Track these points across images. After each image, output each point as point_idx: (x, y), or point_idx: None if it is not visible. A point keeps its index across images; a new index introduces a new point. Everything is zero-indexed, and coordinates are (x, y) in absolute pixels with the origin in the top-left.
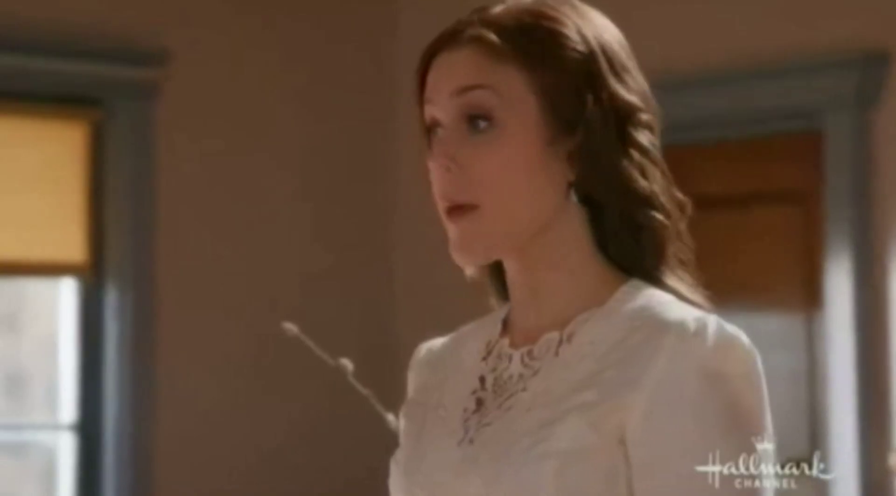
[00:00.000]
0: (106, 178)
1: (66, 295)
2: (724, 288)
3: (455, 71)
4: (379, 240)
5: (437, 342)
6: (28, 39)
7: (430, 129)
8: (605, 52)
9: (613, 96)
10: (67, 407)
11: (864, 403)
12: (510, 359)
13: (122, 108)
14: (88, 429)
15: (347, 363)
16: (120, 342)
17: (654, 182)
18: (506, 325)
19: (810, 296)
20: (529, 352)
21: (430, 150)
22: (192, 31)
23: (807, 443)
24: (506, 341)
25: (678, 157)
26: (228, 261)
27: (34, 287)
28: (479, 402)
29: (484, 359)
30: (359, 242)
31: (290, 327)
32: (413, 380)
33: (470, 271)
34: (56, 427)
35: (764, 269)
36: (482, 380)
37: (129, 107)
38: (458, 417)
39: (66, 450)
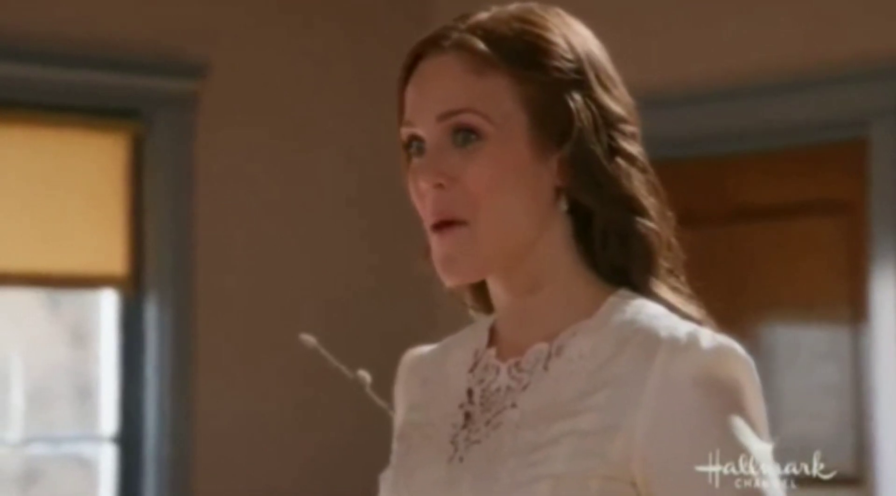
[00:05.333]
0: (146, 190)
1: (106, 307)
2: (768, 299)
3: (438, 91)
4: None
5: (424, 351)
6: (67, 52)
7: (407, 143)
8: (591, 62)
9: (602, 106)
10: (108, 419)
11: None
12: (497, 371)
13: (161, 119)
14: (129, 441)
15: (365, 375)
16: (160, 353)
17: (642, 190)
18: (492, 335)
19: (856, 308)
20: (517, 364)
21: (408, 164)
22: (231, 42)
23: (852, 455)
24: (492, 352)
25: (722, 168)
26: (268, 274)
27: (95, 299)
28: (467, 416)
29: (471, 370)
30: (400, 255)
31: (308, 338)
32: (402, 393)
33: (450, 283)
34: (97, 439)
35: (808, 281)
36: (469, 393)
37: (168, 119)
38: (447, 434)
39: (106, 461)
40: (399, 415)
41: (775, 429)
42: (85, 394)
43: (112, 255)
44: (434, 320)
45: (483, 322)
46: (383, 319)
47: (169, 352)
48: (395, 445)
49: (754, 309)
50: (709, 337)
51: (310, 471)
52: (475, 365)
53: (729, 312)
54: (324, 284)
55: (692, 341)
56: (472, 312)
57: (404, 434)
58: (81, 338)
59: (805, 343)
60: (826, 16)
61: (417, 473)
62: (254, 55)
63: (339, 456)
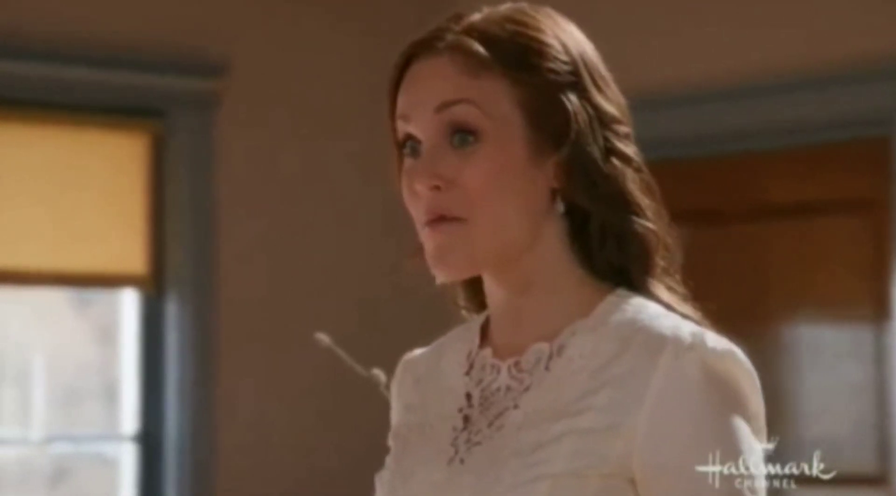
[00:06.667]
0: (166, 189)
1: (127, 305)
2: (791, 298)
3: (435, 85)
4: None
5: (417, 354)
6: (88, 52)
7: (401, 143)
8: (585, 62)
9: (597, 106)
10: (130, 417)
11: None
12: (498, 371)
13: (182, 119)
14: (150, 440)
15: (380, 373)
16: (181, 352)
17: (637, 190)
18: (484, 335)
19: (879, 307)
20: (517, 364)
21: (401, 164)
22: (251, 41)
23: (875, 455)
24: (488, 352)
25: (744, 166)
26: (288, 272)
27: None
28: (467, 419)
29: (467, 373)
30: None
31: (323, 337)
32: (397, 393)
33: (442, 277)
34: (118, 437)
35: (831, 279)
36: (468, 396)
37: (189, 118)
38: (447, 436)
39: (128, 460)
40: (395, 415)
41: (797, 429)
42: (111, 393)
43: (133, 254)
44: (448, 320)
45: (473, 323)
46: (400, 318)
47: (190, 351)
48: (391, 445)
49: (777, 308)
50: (713, 338)
51: (329, 468)
52: (471, 367)
53: (752, 311)
54: (343, 282)
55: (696, 342)
56: (464, 313)
57: (400, 434)
58: (109, 337)
59: (828, 342)
60: (849, 13)
61: (416, 474)
62: (274, 54)
63: (357, 453)
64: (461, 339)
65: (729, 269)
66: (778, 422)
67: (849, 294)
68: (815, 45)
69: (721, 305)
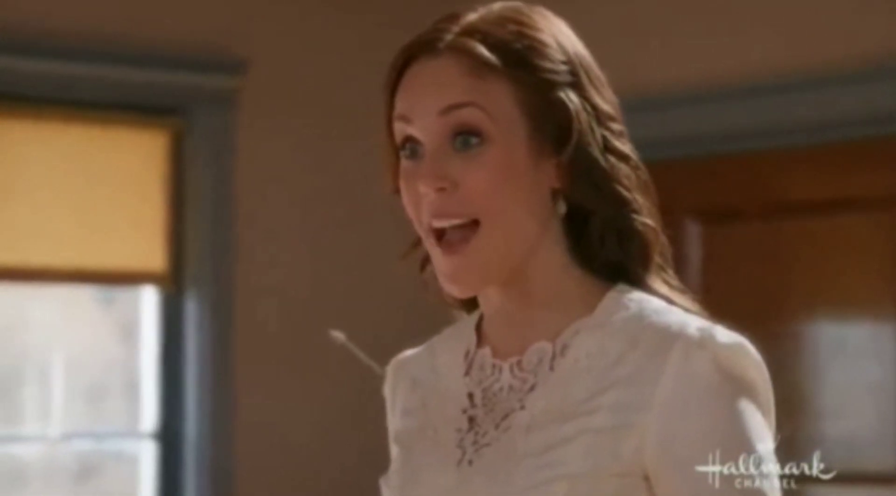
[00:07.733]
0: (186, 186)
1: (147, 303)
2: (811, 296)
3: (438, 87)
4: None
5: (409, 355)
6: (107, 49)
7: (400, 145)
8: (581, 62)
9: (595, 106)
10: (149, 415)
11: None
12: (500, 371)
13: (201, 116)
14: (169, 438)
15: None
16: (200, 350)
17: (636, 188)
18: (479, 335)
19: None
20: (518, 364)
21: (397, 165)
22: (270, 39)
23: (895, 454)
24: (487, 352)
25: (764, 164)
26: (307, 270)
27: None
28: (472, 420)
29: (466, 373)
30: None
31: (338, 335)
32: (392, 396)
33: (460, 295)
34: (137, 435)
35: (852, 277)
36: (471, 396)
37: (208, 116)
38: (452, 438)
39: (147, 458)
40: (393, 419)
41: (817, 427)
42: (132, 390)
43: (152, 252)
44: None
45: (466, 322)
46: (415, 315)
47: (208, 349)
48: (393, 449)
49: (797, 306)
50: (722, 334)
51: (346, 465)
52: (469, 367)
53: (771, 309)
54: (363, 280)
55: (706, 337)
56: (455, 312)
57: (402, 438)
58: (131, 334)
59: (848, 340)
60: (866, 9)
61: (424, 477)
62: (293, 52)
63: (374, 450)
64: (455, 339)
65: (749, 267)
66: (797, 420)
67: (868, 292)
68: (834, 43)
69: (741, 303)
